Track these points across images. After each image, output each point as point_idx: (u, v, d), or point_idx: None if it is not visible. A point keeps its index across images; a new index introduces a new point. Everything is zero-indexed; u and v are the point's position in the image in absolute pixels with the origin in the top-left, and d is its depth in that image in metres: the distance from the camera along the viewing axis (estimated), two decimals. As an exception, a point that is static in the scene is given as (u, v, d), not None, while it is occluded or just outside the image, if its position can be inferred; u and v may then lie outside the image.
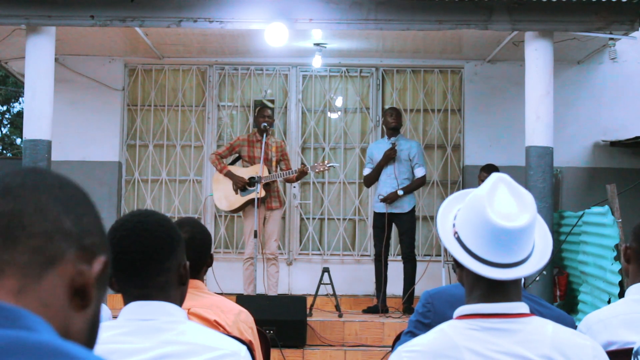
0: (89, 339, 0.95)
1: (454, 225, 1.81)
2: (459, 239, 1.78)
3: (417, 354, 1.72)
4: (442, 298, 2.40)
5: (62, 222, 0.92)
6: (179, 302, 1.98)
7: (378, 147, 7.64)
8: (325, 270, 7.40)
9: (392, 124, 7.51)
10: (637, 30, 6.44)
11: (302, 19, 6.56)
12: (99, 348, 1.82)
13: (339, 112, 8.88)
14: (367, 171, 7.69)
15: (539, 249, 1.80)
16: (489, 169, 7.24)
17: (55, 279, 0.90)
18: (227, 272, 8.05)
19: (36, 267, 0.89)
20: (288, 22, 6.54)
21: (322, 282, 7.33)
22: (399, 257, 7.68)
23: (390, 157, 7.45)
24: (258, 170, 7.23)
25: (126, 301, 1.92)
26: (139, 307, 1.90)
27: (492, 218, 1.72)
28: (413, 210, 7.56)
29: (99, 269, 0.94)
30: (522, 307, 1.76)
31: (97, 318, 0.97)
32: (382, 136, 7.74)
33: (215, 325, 2.65)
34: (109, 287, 1.97)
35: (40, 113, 6.52)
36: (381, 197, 7.41)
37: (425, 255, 8.40)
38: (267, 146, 7.33)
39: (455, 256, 1.77)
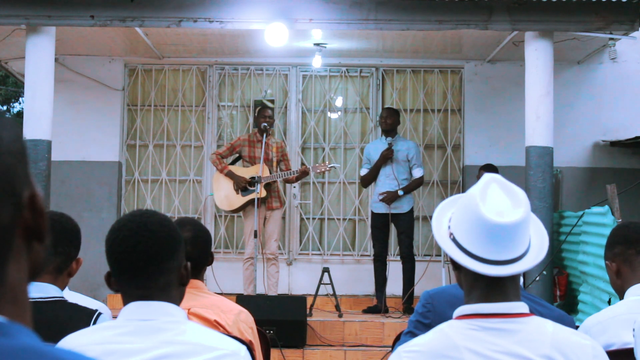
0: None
1: (449, 228, 1.82)
2: (454, 240, 1.78)
3: (417, 354, 1.72)
4: (442, 298, 2.40)
5: None
6: (178, 302, 1.99)
7: (375, 147, 7.62)
8: (325, 270, 7.39)
9: (383, 125, 7.53)
10: (637, 30, 6.44)
11: (302, 19, 6.56)
12: (99, 348, 1.83)
13: (339, 112, 8.88)
14: (364, 171, 7.67)
15: (536, 245, 1.81)
16: (488, 168, 7.23)
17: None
18: (227, 272, 8.04)
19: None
20: (288, 22, 6.54)
21: (322, 282, 7.33)
22: (398, 257, 7.68)
23: (387, 157, 7.44)
24: (259, 170, 7.23)
25: (126, 301, 1.92)
26: (139, 307, 1.90)
27: (486, 215, 1.73)
28: (412, 210, 7.56)
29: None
30: (521, 306, 1.76)
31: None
32: (381, 136, 7.73)
33: (215, 325, 2.65)
34: (108, 287, 1.97)
35: (40, 113, 6.52)
36: (381, 196, 7.40)
37: (425, 255, 8.40)
38: (268, 146, 7.33)
39: (453, 256, 1.78)
